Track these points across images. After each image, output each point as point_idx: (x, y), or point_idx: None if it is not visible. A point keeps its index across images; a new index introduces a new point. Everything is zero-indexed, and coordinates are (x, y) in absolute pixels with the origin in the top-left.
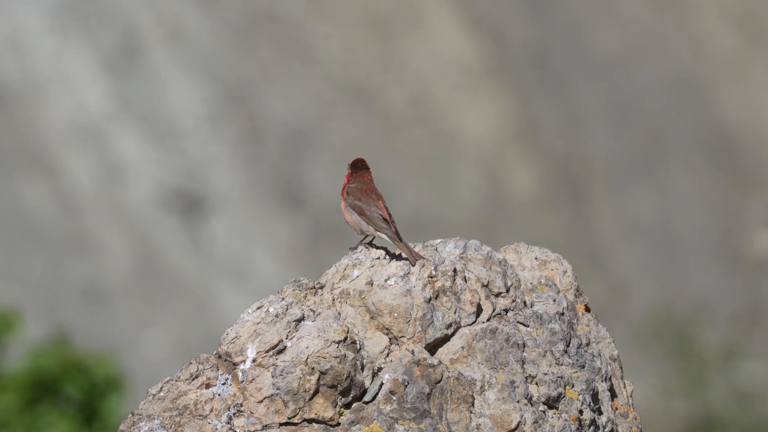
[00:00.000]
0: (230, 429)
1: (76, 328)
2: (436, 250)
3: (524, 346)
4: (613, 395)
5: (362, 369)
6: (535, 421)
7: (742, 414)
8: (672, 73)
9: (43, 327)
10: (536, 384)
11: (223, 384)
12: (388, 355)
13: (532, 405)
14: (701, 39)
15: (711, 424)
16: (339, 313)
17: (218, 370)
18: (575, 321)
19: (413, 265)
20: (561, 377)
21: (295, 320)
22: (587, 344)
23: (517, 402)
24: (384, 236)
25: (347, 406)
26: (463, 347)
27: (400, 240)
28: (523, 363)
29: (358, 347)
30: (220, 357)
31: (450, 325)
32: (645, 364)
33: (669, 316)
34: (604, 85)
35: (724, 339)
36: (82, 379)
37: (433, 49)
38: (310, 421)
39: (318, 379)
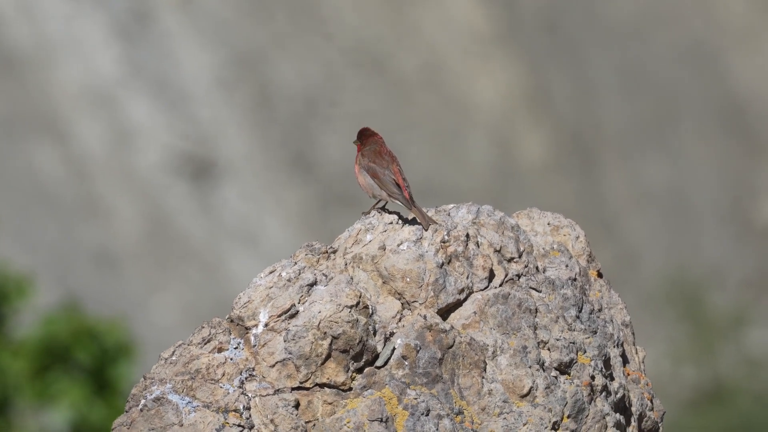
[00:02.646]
0: (242, 393)
1: (86, 294)
2: (449, 215)
3: (536, 312)
4: (625, 361)
5: (374, 334)
6: (547, 387)
7: (751, 381)
8: (684, 41)
9: (54, 292)
10: (548, 349)
11: (236, 348)
12: (400, 320)
13: (544, 370)
14: (713, 7)
15: (720, 391)
16: (351, 278)
17: (230, 334)
18: (587, 287)
19: (426, 230)
20: (573, 343)
21: (308, 285)
22: (599, 310)
23: (529, 367)
24: (396, 201)
25: (359, 370)
26: (475, 312)
27: (413, 205)
28: (536, 328)
29: (371, 312)
30: (232, 321)
31: (462, 291)
32: (654, 331)
33: (679, 283)
34: (616, 52)
35: (734, 306)
36: (93, 346)
37: (444, 16)
38: (322, 385)
39: (330, 344)
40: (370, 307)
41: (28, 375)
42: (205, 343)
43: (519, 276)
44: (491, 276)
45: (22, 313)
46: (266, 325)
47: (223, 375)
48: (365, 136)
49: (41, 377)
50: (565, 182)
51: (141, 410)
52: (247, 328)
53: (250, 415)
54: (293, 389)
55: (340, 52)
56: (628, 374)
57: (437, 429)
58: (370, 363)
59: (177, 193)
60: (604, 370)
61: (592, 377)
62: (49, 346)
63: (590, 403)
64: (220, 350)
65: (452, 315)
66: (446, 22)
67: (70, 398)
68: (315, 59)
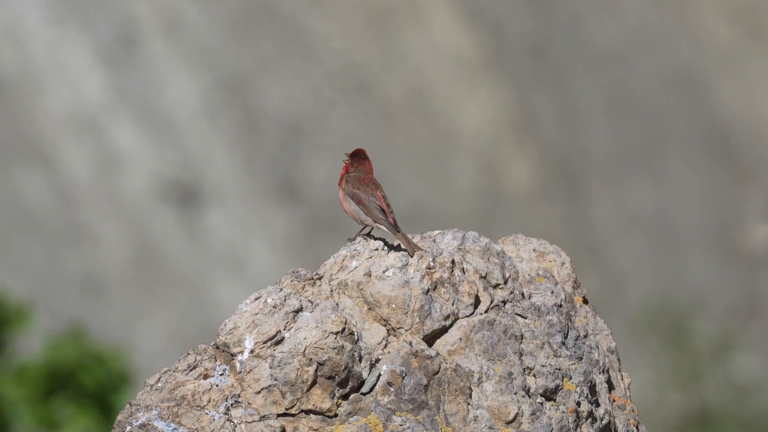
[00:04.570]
0: (228, 420)
1: (72, 319)
2: (434, 241)
3: (522, 338)
4: (611, 387)
5: (360, 360)
6: (533, 413)
7: (737, 407)
8: (670, 66)
9: (40, 318)
10: (534, 376)
11: (221, 375)
12: (386, 346)
13: (529, 397)
14: (699, 32)
15: (706, 417)
16: (337, 304)
17: (216, 360)
18: (573, 313)
19: (411, 256)
20: (559, 369)
21: (293, 311)
22: (585, 336)
23: (515, 394)
24: (382, 227)
25: (345, 397)
26: (460, 339)
27: (399, 231)
28: (521, 355)
29: (356, 338)
30: (218, 348)
31: (448, 317)
32: (641, 357)
33: (665, 309)
34: (602, 78)
35: (720, 332)
36: (99, 372)
37: (431, 42)
38: (307, 412)
39: (316, 370)
40: (355, 333)
41: (31, 400)
42: (191, 370)
43: (504, 302)
44: (477, 302)
45: (22, 339)
46: (252, 351)
47: (209, 401)
48: (358, 159)
49: (44, 402)
50: (551, 208)
51: None
52: (233, 355)
53: None
54: (279, 416)
55: (327, 77)
56: (614, 400)
57: None
58: (356, 389)
59: (163, 218)
60: (589, 396)
61: (578, 403)
62: (54, 371)
63: (576, 430)
64: (205, 377)
65: (438, 341)
66: (432, 47)
67: (77, 424)
68: (301, 84)
